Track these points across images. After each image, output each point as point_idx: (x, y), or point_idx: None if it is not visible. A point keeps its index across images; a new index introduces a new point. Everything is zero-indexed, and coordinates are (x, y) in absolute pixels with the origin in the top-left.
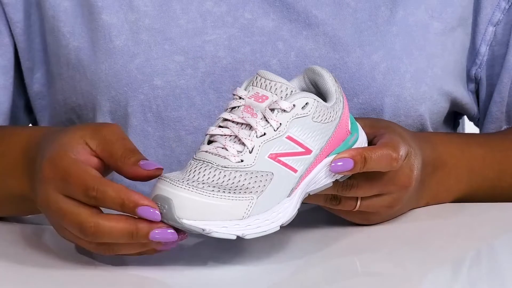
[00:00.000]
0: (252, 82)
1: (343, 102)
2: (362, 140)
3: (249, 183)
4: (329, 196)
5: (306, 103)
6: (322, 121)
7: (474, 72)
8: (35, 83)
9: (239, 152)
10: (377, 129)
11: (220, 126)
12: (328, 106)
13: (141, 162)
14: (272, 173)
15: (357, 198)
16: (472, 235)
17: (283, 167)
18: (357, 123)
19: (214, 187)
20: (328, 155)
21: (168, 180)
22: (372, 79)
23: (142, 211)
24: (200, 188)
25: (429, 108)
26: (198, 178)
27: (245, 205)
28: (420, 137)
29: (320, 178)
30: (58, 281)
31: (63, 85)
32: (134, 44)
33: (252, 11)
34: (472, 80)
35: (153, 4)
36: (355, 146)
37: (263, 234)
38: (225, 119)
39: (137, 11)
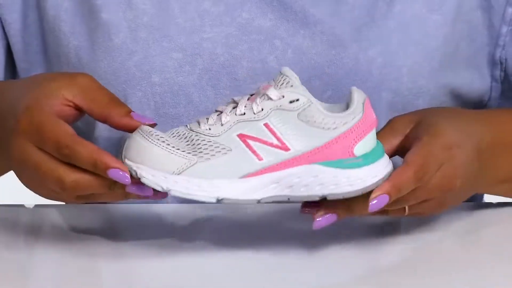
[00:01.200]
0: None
1: (357, 122)
2: (369, 174)
3: (201, 148)
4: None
5: (297, 99)
6: (310, 124)
7: (499, 55)
8: None
9: (214, 122)
10: (414, 129)
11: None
12: (327, 113)
13: (133, 113)
14: (231, 149)
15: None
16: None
17: (247, 149)
18: (383, 160)
19: (168, 141)
20: (314, 163)
21: (139, 128)
22: (368, 74)
23: (112, 173)
24: (154, 137)
25: (427, 102)
26: (165, 134)
27: (181, 162)
28: (474, 121)
29: (301, 185)
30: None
31: None
32: (133, 42)
33: (249, 11)
34: (497, 65)
35: (152, 2)
36: (355, 173)
37: (190, 197)
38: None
39: (136, 9)
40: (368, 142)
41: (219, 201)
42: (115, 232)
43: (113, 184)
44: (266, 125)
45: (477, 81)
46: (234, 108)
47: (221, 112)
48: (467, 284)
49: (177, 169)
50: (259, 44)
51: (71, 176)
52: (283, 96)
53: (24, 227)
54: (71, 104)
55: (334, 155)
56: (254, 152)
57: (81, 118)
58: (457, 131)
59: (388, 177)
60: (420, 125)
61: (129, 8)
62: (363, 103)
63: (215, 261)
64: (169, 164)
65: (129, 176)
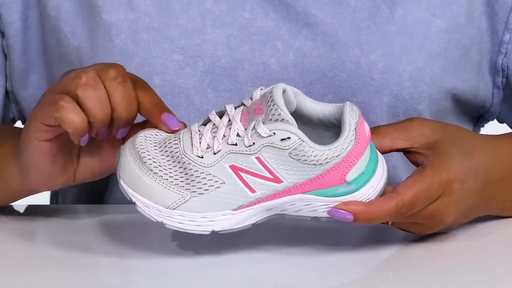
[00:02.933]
0: (271, 90)
1: (349, 151)
2: (361, 198)
3: (194, 180)
4: None
5: (288, 137)
6: (301, 161)
7: (501, 62)
8: (30, 86)
9: (207, 148)
10: (425, 150)
11: (220, 114)
12: (319, 148)
13: (164, 116)
14: (224, 182)
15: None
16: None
17: (240, 182)
18: (376, 175)
19: (161, 166)
20: (305, 193)
21: (140, 135)
22: (370, 78)
23: (167, 117)
24: (147, 166)
25: (428, 107)
26: (159, 152)
27: (175, 197)
28: (487, 155)
29: (293, 210)
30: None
31: None
32: (134, 43)
33: (251, 11)
34: (499, 72)
35: (153, 3)
36: (349, 198)
37: (185, 231)
38: (226, 111)
39: (137, 10)
40: (361, 165)
41: (214, 232)
42: (115, 231)
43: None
44: (258, 159)
45: (481, 87)
46: (223, 128)
47: (216, 129)
48: (466, 284)
49: (172, 204)
50: (261, 46)
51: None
52: (274, 133)
53: (24, 227)
54: None
55: (327, 184)
56: (247, 185)
57: None
58: (464, 167)
59: (386, 180)
60: (432, 152)
61: (130, 9)
62: (355, 128)
63: (214, 261)
64: (164, 199)
65: (180, 124)
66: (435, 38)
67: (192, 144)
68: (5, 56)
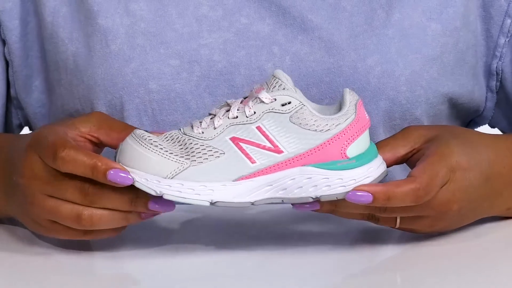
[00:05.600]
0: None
1: (350, 123)
2: (362, 175)
3: (194, 151)
4: (366, 215)
5: (289, 102)
6: (302, 126)
7: (495, 66)
8: (35, 91)
9: (207, 126)
10: (425, 144)
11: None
12: (320, 115)
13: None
14: (224, 153)
15: (396, 217)
16: None
17: (239, 152)
18: (377, 161)
19: (161, 145)
20: (306, 165)
21: (133, 132)
22: (366, 82)
23: (112, 175)
24: (147, 141)
25: (425, 111)
26: (159, 138)
27: (173, 166)
28: (486, 148)
29: (294, 186)
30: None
31: (62, 91)
32: (130, 48)
33: (248, 16)
34: (493, 76)
35: (149, 8)
36: (348, 174)
37: (183, 201)
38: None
39: (133, 15)
40: (361, 143)
41: (212, 204)
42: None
43: (135, 199)
44: (258, 128)
45: (476, 90)
46: (227, 111)
47: (214, 116)
48: (467, 285)
49: (170, 173)
50: (257, 50)
51: (88, 210)
52: (275, 99)
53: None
54: (88, 136)
55: (327, 156)
56: (247, 155)
57: (99, 153)
58: (466, 155)
59: (385, 181)
60: (432, 143)
61: (126, 14)
62: (356, 104)
63: (212, 260)
64: (162, 169)
65: (131, 177)
66: (431, 42)
67: (192, 126)
68: (6, 64)
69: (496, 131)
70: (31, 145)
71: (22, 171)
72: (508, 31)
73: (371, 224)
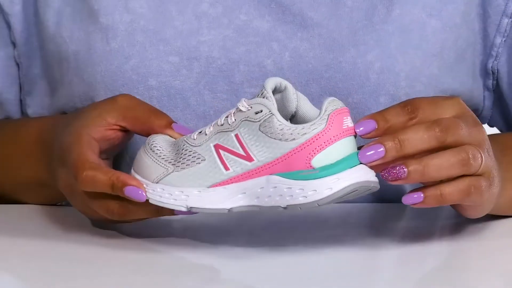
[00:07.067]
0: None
1: (317, 133)
2: (325, 185)
3: (181, 157)
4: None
5: (261, 110)
6: (269, 135)
7: (491, 65)
8: (38, 94)
9: (203, 132)
10: None
11: None
12: (287, 124)
13: (174, 124)
14: (205, 159)
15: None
16: None
17: (217, 160)
18: (351, 171)
19: (159, 150)
20: (273, 174)
21: (156, 135)
22: (366, 78)
23: (129, 190)
24: (148, 147)
25: None
26: (168, 144)
27: (159, 171)
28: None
29: (265, 195)
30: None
31: (63, 91)
32: (129, 45)
33: (247, 13)
34: (489, 75)
35: (149, 5)
36: (310, 184)
37: (163, 206)
38: None
39: (133, 12)
40: (331, 154)
41: (189, 209)
42: (115, 231)
43: (160, 209)
44: (236, 135)
45: (475, 89)
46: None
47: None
48: (467, 284)
49: (156, 177)
50: (257, 47)
51: (117, 204)
52: (251, 107)
53: (23, 227)
54: (115, 127)
55: (293, 166)
56: (223, 162)
57: (131, 137)
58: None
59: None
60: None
61: (126, 11)
62: (329, 114)
63: (212, 260)
64: (151, 173)
65: (144, 194)
66: (432, 38)
67: (200, 131)
68: (18, 67)
69: (495, 130)
70: (59, 159)
71: (61, 184)
72: (505, 31)
73: (371, 224)
